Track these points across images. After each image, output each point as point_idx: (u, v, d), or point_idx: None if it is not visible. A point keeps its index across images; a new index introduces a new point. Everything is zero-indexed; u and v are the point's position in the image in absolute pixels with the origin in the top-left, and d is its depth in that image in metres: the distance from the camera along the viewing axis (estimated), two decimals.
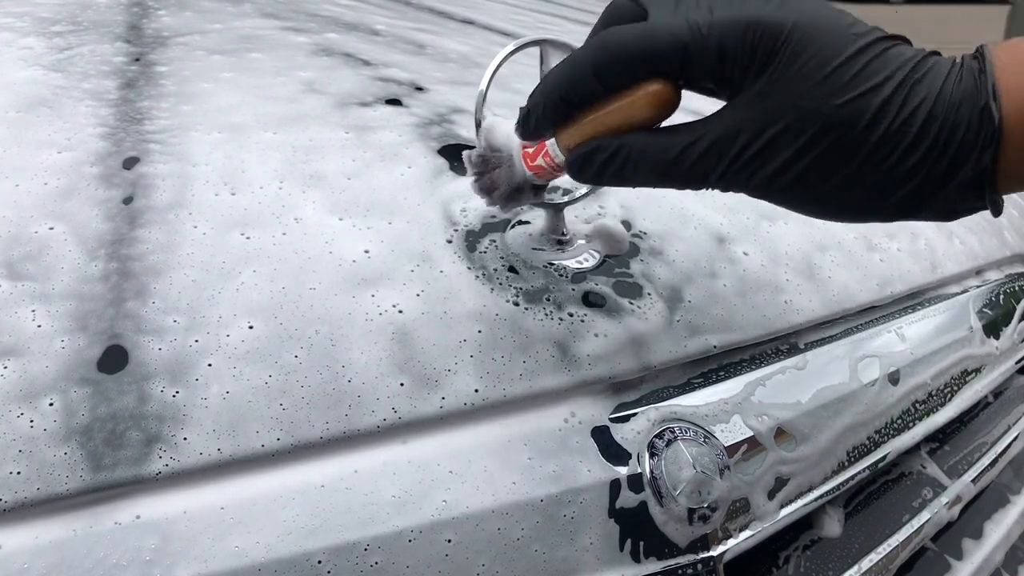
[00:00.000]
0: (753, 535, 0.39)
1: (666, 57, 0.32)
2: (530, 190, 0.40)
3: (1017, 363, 0.62)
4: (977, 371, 0.56)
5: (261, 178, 0.45)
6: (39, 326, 0.35)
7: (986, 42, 0.33)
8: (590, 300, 0.41)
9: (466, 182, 0.46)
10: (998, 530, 0.56)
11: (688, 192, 0.48)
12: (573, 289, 0.42)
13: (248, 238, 0.41)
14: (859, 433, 0.45)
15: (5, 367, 0.34)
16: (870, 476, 0.46)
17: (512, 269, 0.42)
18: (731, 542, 0.38)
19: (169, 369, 0.35)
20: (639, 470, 0.37)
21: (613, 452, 0.37)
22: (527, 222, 0.45)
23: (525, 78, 0.54)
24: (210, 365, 0.35)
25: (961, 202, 0.32)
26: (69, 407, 0.33)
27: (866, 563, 0.45)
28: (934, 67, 0.31)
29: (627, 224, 0.47)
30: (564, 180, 0.43)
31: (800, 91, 0.31)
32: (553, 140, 0.36)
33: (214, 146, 0.47)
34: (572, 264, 0.43)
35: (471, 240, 0.43)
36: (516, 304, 0.40)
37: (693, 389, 0.41)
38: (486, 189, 0.39)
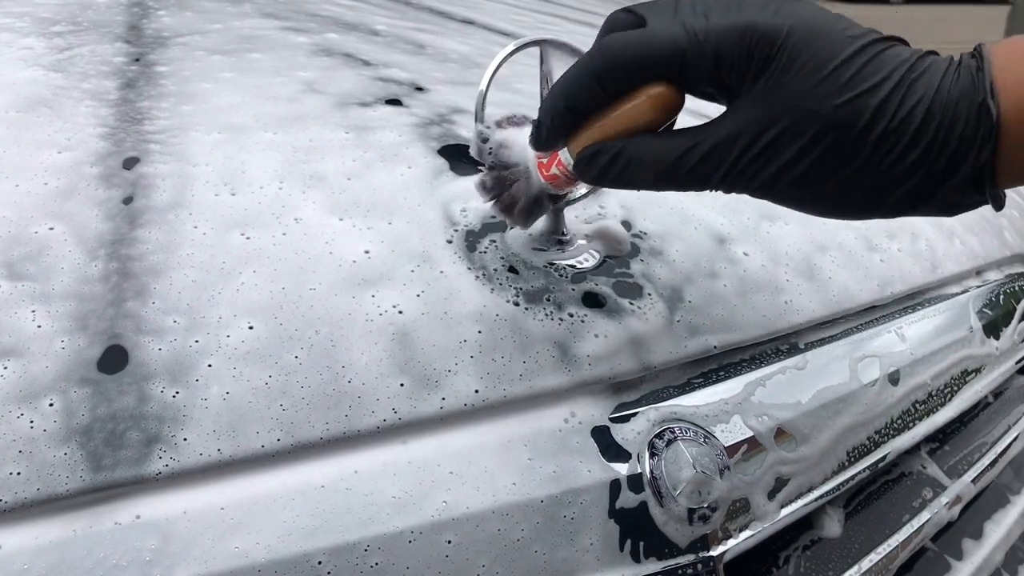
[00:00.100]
0: (753, 535, 0.39)
1: (664, 63, 0.32)
2: (548, 200, 0.40)
3: (1017, 363, 0.62)
4: (977, 371, 0.56)
5: (261, 178, 0.45)
6: (39, 326, 0.35)
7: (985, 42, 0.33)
8: (590, 300, 0.41)
9: (467, 182, 0.46)
10: (998, 530, 0.56)
11: (688, 192, 0.48)
12: (573, 289, 0.42)
13: (248, 238, 0.41)
14: (859, 433, 0.45)
15: (5, 367, 0.34)
16: (870, 476, 0.46)
17: (512, 269, 0.42)
18: (731, 542, 0.38)
19: (169, 369, 0.35)
20: (639, 470, 0.37)
21: (613, 452, 0.37)
22: None
23: (525, 78, 0.54)
24: (210, 365, 0.35)
25: (962, 197, 0.32)
26: (69, 407, 0.33)
27: (866, 563, 0.45)
28: (931, 66, 0.31)
29: (627, 224, 0.47)
30: None
31: (798, 93, 0.31)
32: (565, 149, 0.36)
33: (214, 146, 0.47)
34: (572, 264, 0.43)
35: (471, 240, 0.43)
36: (516, 304, 0.40)
37: (693, 389, 0.41)
38: (506, 207, 0.39)
